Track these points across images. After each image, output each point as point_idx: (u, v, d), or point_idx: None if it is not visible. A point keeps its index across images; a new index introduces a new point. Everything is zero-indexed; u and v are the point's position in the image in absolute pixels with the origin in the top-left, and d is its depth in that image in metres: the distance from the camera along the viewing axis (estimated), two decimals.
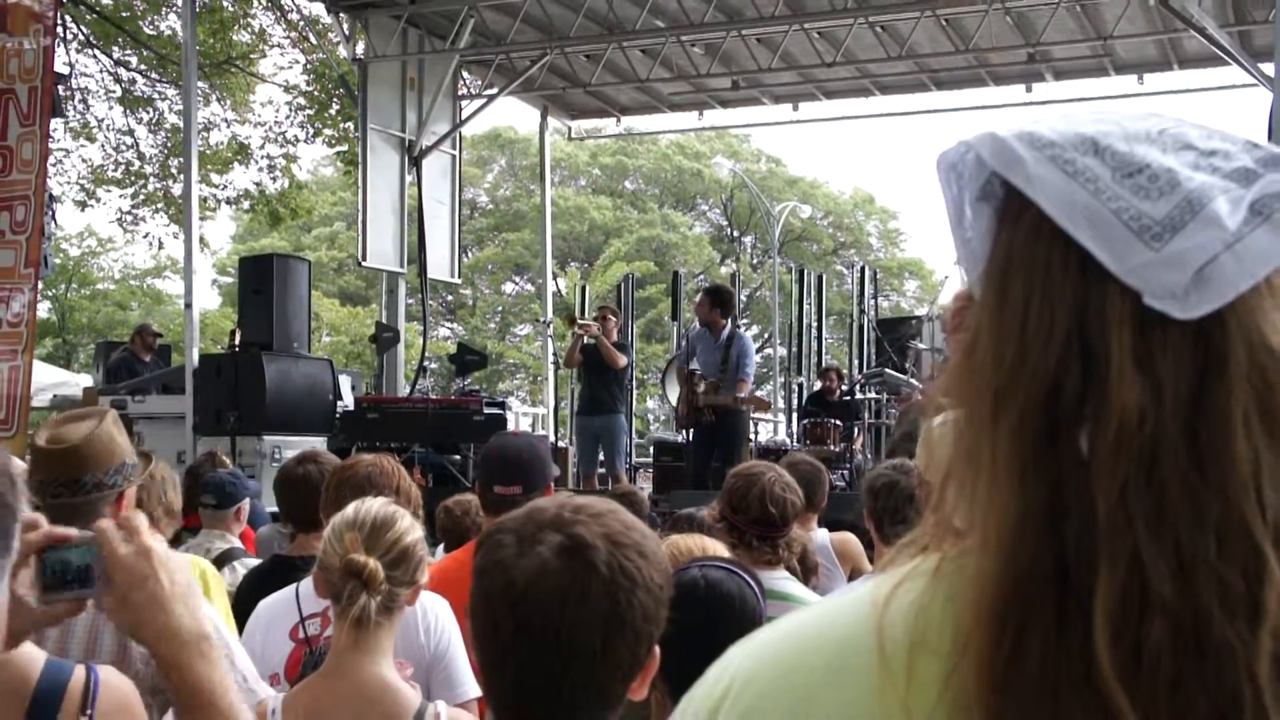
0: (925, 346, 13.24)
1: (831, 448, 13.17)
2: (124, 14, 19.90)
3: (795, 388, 18.84)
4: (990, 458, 0.87)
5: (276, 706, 2.69)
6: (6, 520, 1.46)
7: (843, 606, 0.98)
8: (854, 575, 5.97)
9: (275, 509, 5.03)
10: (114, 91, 20.97)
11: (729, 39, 16.70)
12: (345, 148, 20.41)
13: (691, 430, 12.32)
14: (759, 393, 12.82)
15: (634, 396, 18.67)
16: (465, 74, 18.39)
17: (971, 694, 0.85)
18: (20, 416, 9.37)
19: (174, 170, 20.71)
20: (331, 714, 2.67)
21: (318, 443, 11.89)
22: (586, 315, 16.06)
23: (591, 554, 1.69)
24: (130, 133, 21.37)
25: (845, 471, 13.03)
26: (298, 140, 21.18)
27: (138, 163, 21.48)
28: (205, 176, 20.18)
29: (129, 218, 21.93)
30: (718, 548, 3.57)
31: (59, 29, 12.88)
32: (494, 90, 18.14)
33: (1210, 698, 0.81)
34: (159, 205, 21.61)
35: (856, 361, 17.96)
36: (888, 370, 13.87)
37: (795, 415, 17.62)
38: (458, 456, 13.20)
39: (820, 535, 6.15)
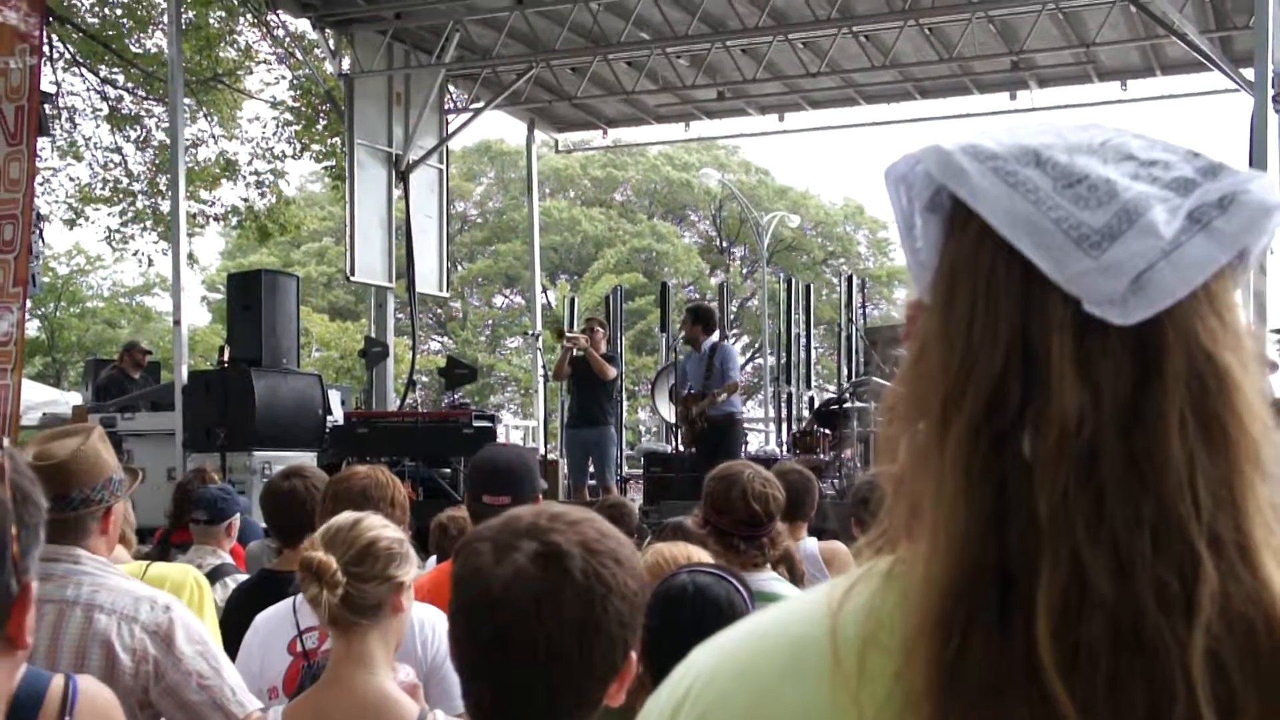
0: None
1: (821, 456, 13.20)
2: (110, 32, 19.86)
3: (785, 397, 18.83)
4: (939, 462, 0.90)
5: (276, 719, 2.71)
6: (36, 516, 1.50)
7: (800, 606, 1.00)
8: None
9: None
10: (101, 110, 20.93)
11: (713, 50, 16.71)
12: (333, 163, 20.38)
13: (693, 447, 12.41)
14: (750, 402, 12.96)
15: (624, 408, 18.67)
16: (451, 88, 18.40)
17: (919, 691, 0.86)
18: (10, 435, 9.37)
19: (162, 187, 20.65)
20: None
21: (308, 458, 11.89)
22: (575, 327, 16.08)
23: (567, 561, 1.71)
24: (118, 150, 21.34)
25: (836, 480, 13.06)
26: (285, 156, 21.15)
27: (125, 180, 21.43)
28: (193, 193, 20.10)
29: (117, 235, 21.87)
30: (703, 555, 3.58)
31: (45, 48, 12.90)
32: (480, 104, 18.17)
33: (1147, 693, 0.83)
34: (147, 222, 21.55)
35: (845, 370, 17.98)
36: (875, 379, 13.89)
37: (785, 425, 17.64)
38: (448, 470, 13.18)
39: (809, 544, 6.16)
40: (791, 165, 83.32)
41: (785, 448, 15.54)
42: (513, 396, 43.68)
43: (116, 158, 21.38)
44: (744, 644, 1.00)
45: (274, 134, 21.17)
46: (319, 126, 20.38)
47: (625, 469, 17.30)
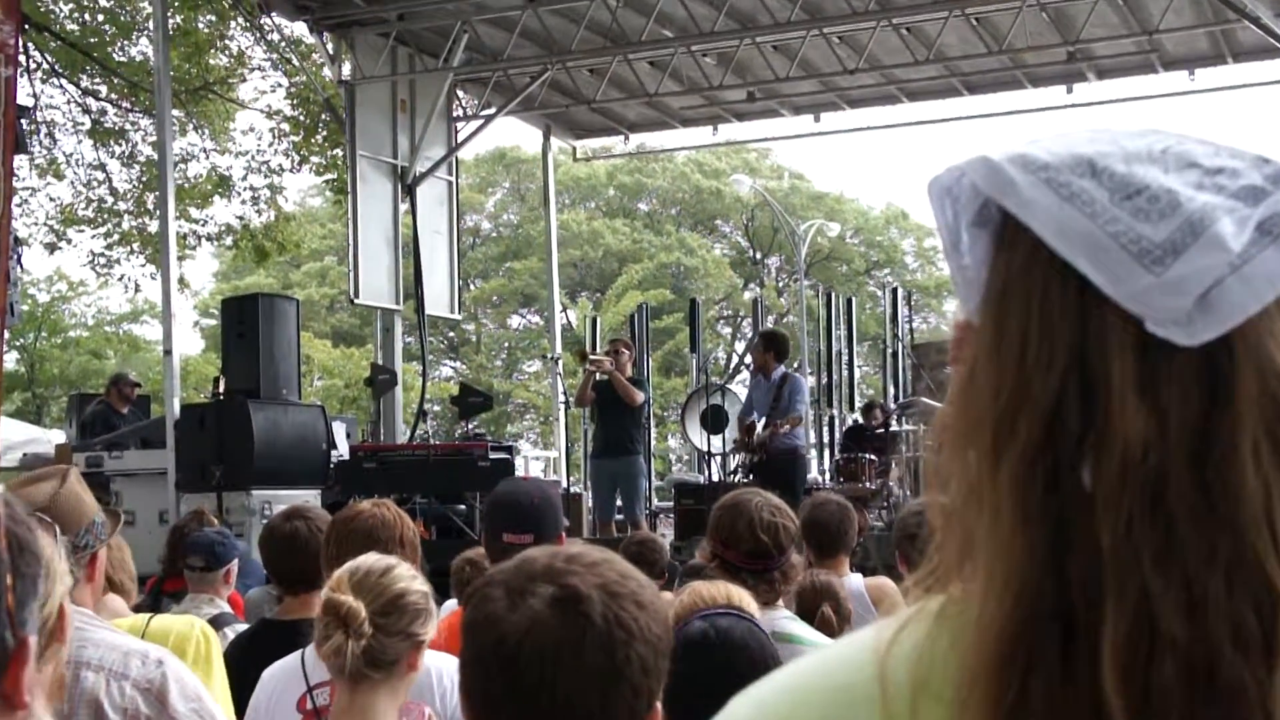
0: None
1: (867, 485, 13.18)
2: (91, 40, 19.98)
3: (827, 421, 18.81)
4: (992, 493, 0.90)
5: None
6: (34, 567, 1.52)
7: (845, 652, 1.01)
8: None
9: None
10: (83, 123, 21.07)
11: (742, 47, 16.71)
12: (334, 176, 20.45)
13: (750, 475, 12.48)
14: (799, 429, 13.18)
15: (652, 435, 18.67)
16: (460, 94, 18.46)
17: None
18: None
19: (150, 206, 20.77)
20: None
21: (311, 496, 11.89)
22: (598, 349, 16.09)
23: (586, 606, 1.72)
24: (101, 167, 21.45)
25: (883, 510, 13.04)
26: (282, 170, 21.25)
27: (110, 199, 21.51)
28: (184, 212, 20.21)
29: (102, 259, 21.94)
30: (743, 595, 3.58)
31: (21, 57, 13.01)
32: (492, 110, 18.16)
33: None
34: (134, 245, 21.62)
35: (892, 390, 17.96)
36: (923, 399, 13.88)
37: (827, 451, 17.62)
38: (463, 506, 13.20)
39: (854, 580, 6.13)
40: (829, 170, 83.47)
41: (828, 475, 15.51)
42: (531, 425, 43.76)
43: (100, 175, 21.52)
44: (786, 694, 1.01)
45: (270, 146, 21.27)
46: (318, 137, 20.45)
47: (654, 501, 17.30)
